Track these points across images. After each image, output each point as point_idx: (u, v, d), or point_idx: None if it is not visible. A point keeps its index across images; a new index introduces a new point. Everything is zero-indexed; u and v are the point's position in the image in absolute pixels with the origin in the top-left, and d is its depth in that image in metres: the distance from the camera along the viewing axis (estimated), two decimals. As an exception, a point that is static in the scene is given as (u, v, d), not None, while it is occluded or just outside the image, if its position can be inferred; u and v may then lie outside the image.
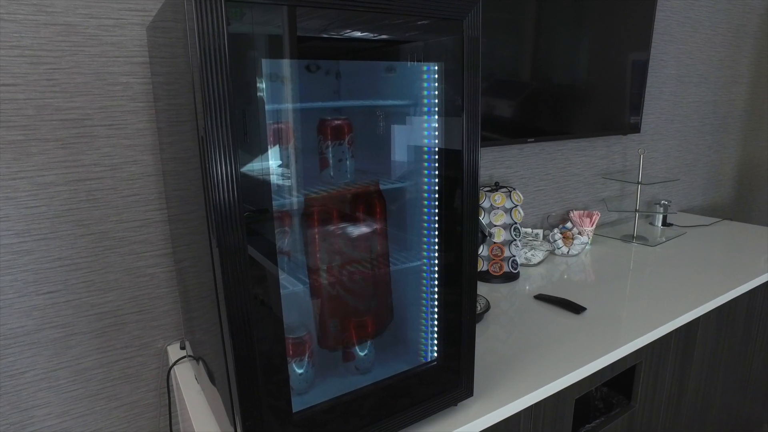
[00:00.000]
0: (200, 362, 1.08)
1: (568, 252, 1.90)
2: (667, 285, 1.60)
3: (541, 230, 1.94)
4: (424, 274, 1.00)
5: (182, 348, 1.25)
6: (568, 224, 2.00)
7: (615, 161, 2.28)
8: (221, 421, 0.92)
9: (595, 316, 1.39)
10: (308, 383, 0.98)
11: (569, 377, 1.11)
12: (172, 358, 1.23)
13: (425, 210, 0.95)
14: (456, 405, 1.00)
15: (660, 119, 2.43)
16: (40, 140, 1.06)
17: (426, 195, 0.95)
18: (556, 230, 1.95)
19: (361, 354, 1.03)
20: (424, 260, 0.99)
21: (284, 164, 0.90)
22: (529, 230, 1.91)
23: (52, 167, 1.08)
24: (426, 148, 0.92)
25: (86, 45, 1.07)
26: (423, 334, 1.05)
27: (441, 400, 0.96)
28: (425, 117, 0.91)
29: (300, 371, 0.96)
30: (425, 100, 0.89)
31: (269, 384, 0.75)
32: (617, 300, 1.49)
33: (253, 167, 0.68)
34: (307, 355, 0.96)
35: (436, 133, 0.89)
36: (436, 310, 0.99)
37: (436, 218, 0.92)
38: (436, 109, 0.88)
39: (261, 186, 0.69)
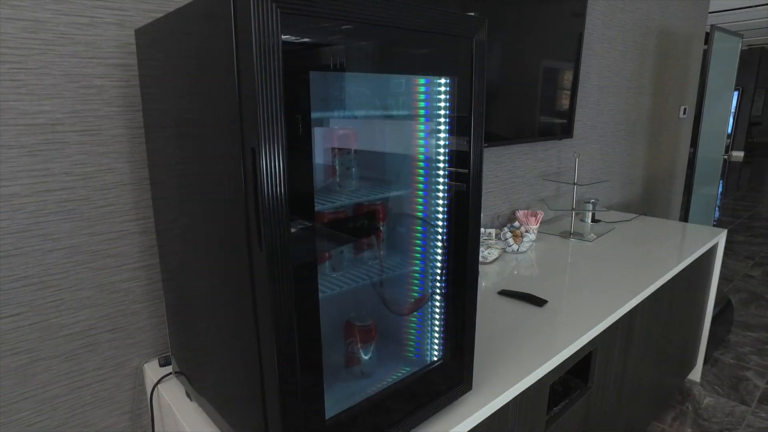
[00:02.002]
0: (197, 379, 1.03)
1: (518, 249, 2.04)
2: (609, 276, 1.78)
3: (494, 229, 2.06)
4: (429, 275, 1.04)
5: (162, 365, 1.18)
6: (516, 223, 2.15)
7: (551, 163, 2.48)
8: (233, 436, 0.89)
9: (557, 307, 1.52)
10: (317, 391, 0.98)
11: (548, 364, 1.22)
12: (150, 377, 1.16)
13: (432, 216, 1.00)
14: (456, 400, 1.05)
15: (586, 125, 2.67)
16: (2, 147, 0.96)
17: (432, 201, 0.99)
18: (506, 229, 2.09)
19: (365, 357, 1.05)
20: (429, 262, 1.03)
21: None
22: (482, 230, 2.03)
23: (17, 177, 0.98)
24: (433, 156, 0.96)
25: (56, 44, 0.99)
26: (421, 332, 1.09)
27: (447, 397, 1.01)
28: (430, 127, 0.95)
29: (310, 379, 0.96)
30: (435, 112, 0.93)
31: (307, 394, 0.75)
32: (570, 291, 1.64)
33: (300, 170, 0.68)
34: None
35: (442, 141, 0.94)
36: (437, 309, 1.04)
37: (443, 223, 0.97)
38: (442, 120, 0.93)
39: (305, 190, 0.69)
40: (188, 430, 1.00)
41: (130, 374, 1.20)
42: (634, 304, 1.63)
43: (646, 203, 3.56)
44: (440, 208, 0.97)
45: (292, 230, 0.68)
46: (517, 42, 1.95)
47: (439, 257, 1.00)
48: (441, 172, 0.96)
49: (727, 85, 3.37)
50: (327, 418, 0.80)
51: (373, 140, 1.01)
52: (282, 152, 0.63)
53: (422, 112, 0.95)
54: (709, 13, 5.69)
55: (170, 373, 1.14)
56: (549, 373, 1.26)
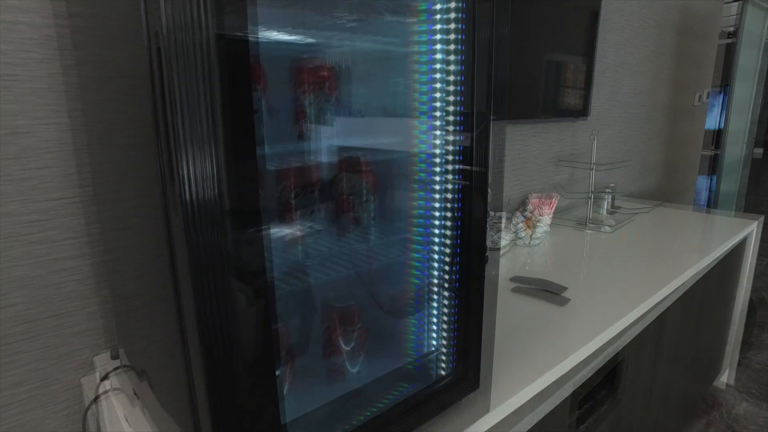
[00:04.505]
0: (141, 374, 0.86)
1: (531, 237, 1.84)
2: (634, 269, 1.58)
3: (504, 213, 1.87)
4: (423, 249, 0.86)
5: (114, 357, 1.01)
6: (529, 207, 1.95)
7: (565, 145, 2.28)
8: (178, 443, 0.72)
9: (576, 303, 1.32)
10: (287, 387, 0.80)
11: (567, 362, 1.03)
12: (101, 372, 0.99)
13: (429, 174, 0.81)
14: (461, 400, 0.86)
15: (603, 106, 2.47)
16: None
17: (429, 157, 0.81)
18: (518, 213, 1.89)
19: (347, 348, 0.87)
20: (425, 233, 0.85)
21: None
22: (492, 213, 1.84)
23: (-74, 128, 0.82)
24: (433, 111, 0.78)
25: (-26, -32, 0.82)
26: (419, 323, 0.91)
27: (448, 395, 0.82)
28: (427, 67, 0.77)
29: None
30: (430, 47, 0.75)
31: (251, 395, 0.57)
32: (593, 286, 1.44)
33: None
34: (284, 352, 0.79)
35: (442, 85, 0.75)
36: (435, 290, 0.85)
37: (441, 182, 0.79)
38: (443, 56, 0.74)
39: (241, 121, 0.51)
40: (133, 434, 0.82)
41: (79, 368, 1.03)
42: (667, 305, 1.42)
43: (663, 192, 3.34)
44: (437, 168, 0.79)
45: (227, 182, 0.50)
46: (529, 13, 1.76)
47: (437, 229, 0.82)
48: (438, 123, 0.77)
49: (752, 67, 3.14)
50: (287, 421, 0.62)
51: (358, 78, 0.83)
52: (205, 52, 0.46)
53: (423, 37, 0.77)
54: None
55: (118, 367, 0.97)
56: (571, 375, 1.07)
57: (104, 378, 0.95)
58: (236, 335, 0.54)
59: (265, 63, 0.72)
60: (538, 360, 1.01)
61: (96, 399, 0.96)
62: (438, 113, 0.77)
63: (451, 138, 0.76)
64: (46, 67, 0.90)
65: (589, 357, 1.13)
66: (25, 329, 0.95)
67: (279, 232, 0.78)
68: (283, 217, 0.79)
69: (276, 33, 0.69)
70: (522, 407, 0.94)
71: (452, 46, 0.73)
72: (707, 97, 3.52)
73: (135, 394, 0.90)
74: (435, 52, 0.75)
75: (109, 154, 0.78)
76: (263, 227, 0.56)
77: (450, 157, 0.77)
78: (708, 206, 3.00)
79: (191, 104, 0.46)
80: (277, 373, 0.77)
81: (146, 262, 0.68)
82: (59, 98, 0.93)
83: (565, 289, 1.35)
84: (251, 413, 0.58)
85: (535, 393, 0.96)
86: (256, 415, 0.59)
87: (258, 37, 0.67)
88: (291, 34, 0.71)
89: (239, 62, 0.49)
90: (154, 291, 0.67)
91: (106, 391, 0.95)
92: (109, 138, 0.76)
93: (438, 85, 0.75)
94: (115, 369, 0.97)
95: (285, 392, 0.78)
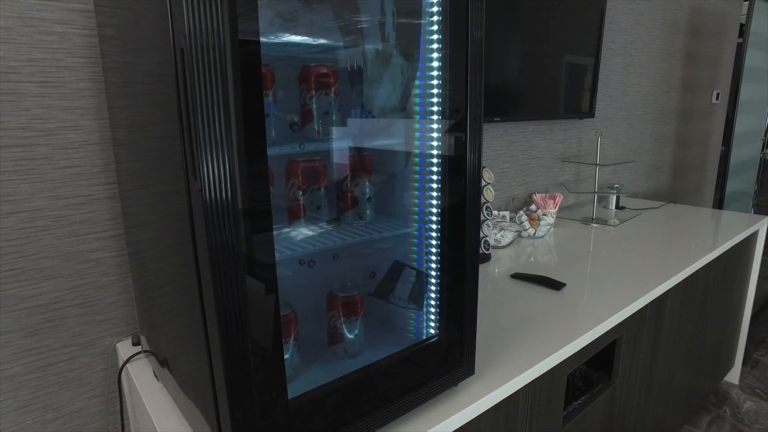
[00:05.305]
0: (162, 358, 0.93)
1: (534, 234, 1.88)
2: (636, 262, 1.62)
3: (507, 212, 1.91)
4: (422, 242, 0.91)
5: (135, 344, 1.08)
6: (533, 207, 1.99)
7: (571, 145, 2.32)
8: (194, 420, 0.78)
9: (576, 293, 1.36)
10: (294, 370, 0.86)
11: (566, 350, 1.07)
12: (123, 357, 1.06)
13: (427, 173, 0.87)
14: (456, 385, 0.92)
15: (609, 106, 2.50)
16: (-49, 96, 0.87)
17: (426, 157, 0.86)
18: (521, 212, 1.94)
19: (350, 336, 0.92)
20: (424, 227, 0.90)
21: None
22: (495, 212, 1.88)
23: (-32, 130, 0.89)
24: (427, 100, 0.84)
25: (11, -17, 0.90)
26: (417, 311, 0.96)
27: (443, 380, 0.87)
28: (424, 65, 0.83)
29: (285, 356, 0.84)
30: (421, 45, 0.81)
31: (262, 376, 0.63)
32: (592, 278, 1.48)
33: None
34: (292, 336, 0.85)
35: (436, 81, 0.81)
36: (433, 281, 0.91)
37: (438, 180, 0.84)
38: (434, 53, 0.80)
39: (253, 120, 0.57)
40: (154, 413, 0.89)
41: (102, 353, 1.10)
42: (664, 290, 1.46)
43: (674, 193, 3.34)
44: (434, 154, 0.84)
45: (241, 179, 0.56)
46: (534, 13, 1.81)
47: (434, 224, 0.88)
48: (435, 117, 0.83)
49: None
50: (291, 397, 0.68)
51: (359, 80, 0.89)
52: (222, 58, 0.52)
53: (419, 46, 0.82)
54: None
55: (139, 353, 1.04)
56: (566, 361, 1.12)
57: (127, 362, 1.02)
58: (250, 320, 0.60)
59: (274, 67, 0.78)
60: (534, 349, 1.05)
61: (120, 381, 1.04)
62: (435, 116, 0.82)
63: (445, 137, 0.82)
64: (75, 74, 0.98)
65: (585, 347, 1.18)
66: (52, 316, 1.03)
67: (287, 226, 0.85)
68: (292, 213, 0.85)
69: (283, 38, 0.75)
70: (517, 393, 0.99)
71: (448, 49, 0.78)
72: (716, 99, 3.51)
73: (155, 376, 0.97)
74: (432, 59, 0.80)
75: (133, 153, 0.85)
76: (275, 222, 0.61)
77: (444, 155, 0.82)
78: (712, 207, 3.00)
79: (210, 107, 0.52)
80: (286, 356, 0.84)
81: (168, 254, 0.75)
82: (87, 102, 1.00)
83: (563, 285, 1.39)
84: (262, 394, 0.64)
85: (530, 380, 1.00)
86: (267, 398, 0.65)
87: (270, 39, 0.73)
88: (298, 38, 0.78)
89: (252, 67, 0.55)
90: (175, 281, 0.73)
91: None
92: (133, 138, 0.83)
93: (435, 90, 0.81)
94: (137, 354, 1.04)
95: (290, 374, 0.84)
